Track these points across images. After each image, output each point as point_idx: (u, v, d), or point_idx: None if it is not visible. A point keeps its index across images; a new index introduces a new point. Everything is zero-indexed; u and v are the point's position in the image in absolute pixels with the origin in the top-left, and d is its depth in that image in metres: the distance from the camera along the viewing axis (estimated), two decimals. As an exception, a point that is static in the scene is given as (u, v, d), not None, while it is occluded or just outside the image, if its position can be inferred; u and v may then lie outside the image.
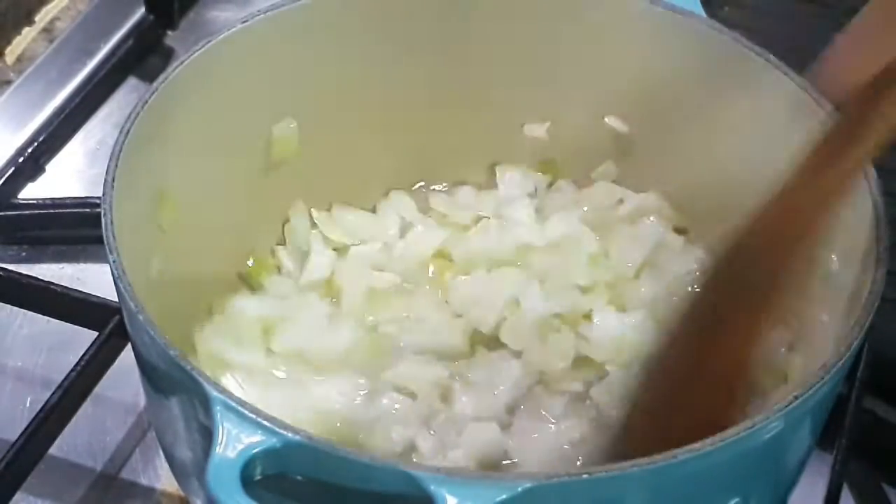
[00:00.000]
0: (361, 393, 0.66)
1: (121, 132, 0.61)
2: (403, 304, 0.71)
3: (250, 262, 0.73)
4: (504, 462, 0.64)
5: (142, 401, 0.73)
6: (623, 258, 0.73)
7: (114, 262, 0.55)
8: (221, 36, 0.67)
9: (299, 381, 0.66)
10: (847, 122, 0.56)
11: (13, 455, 0.65)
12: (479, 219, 0.76)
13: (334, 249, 0.74)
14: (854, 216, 0.60)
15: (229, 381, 0.65)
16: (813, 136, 0.57)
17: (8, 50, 0.99)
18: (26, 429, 0.66)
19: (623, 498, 0.50)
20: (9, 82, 0.95)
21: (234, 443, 0.48)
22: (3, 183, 0.85)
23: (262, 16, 0.68)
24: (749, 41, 0.67)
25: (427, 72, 0.74)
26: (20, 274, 0.76)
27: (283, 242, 0.75)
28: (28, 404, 0.73)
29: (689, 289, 0.64)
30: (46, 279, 0.75)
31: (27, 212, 0.84)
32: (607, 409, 0.66)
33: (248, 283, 0.73)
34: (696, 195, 0.74)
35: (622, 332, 0.69)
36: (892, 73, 0.53)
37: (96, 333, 0.71)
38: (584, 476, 0.48)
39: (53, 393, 0.67)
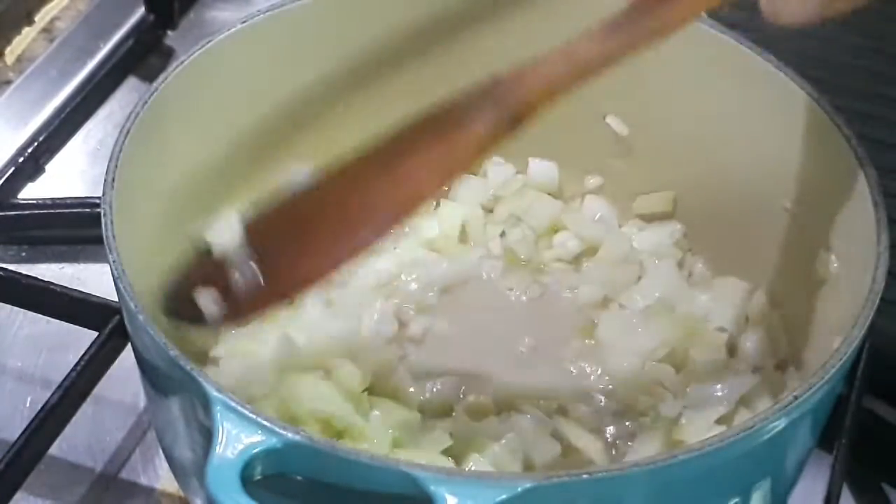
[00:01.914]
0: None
1: (121, 132, 0.61)
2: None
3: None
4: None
5: (142, 401, 0.73)
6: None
7: (114, 262, 0.55)
8: (221, 36, 0.67)
9: None
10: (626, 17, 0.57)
11: (13, 455, 0.65)
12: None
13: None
14: (854, 216, 0.60)
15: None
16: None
17: (8, 50, 0.99)
18: (26, 429, 0.66)
19: (623, 498, 0.50)
20: (9, 82, 0.95)
21: (234, 443, 0.48)
22: (3, 183, 0.84)
23: (262, 16, 0.68)
24: (749, 41, 0.67)
25: (428, 71, 0.74)
26: (20, 274, 0.76)
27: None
28: (28, 404, 0.73)
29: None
30: (46, 279, 0.75)
31: (27, 212, 0.84)
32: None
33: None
34: (695, 195, 0.74)
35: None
36: None
37: (96, 333, 0.71)
38: (584, 476, 0.48)
39: (53, 393, 0.67)
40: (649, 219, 0.77)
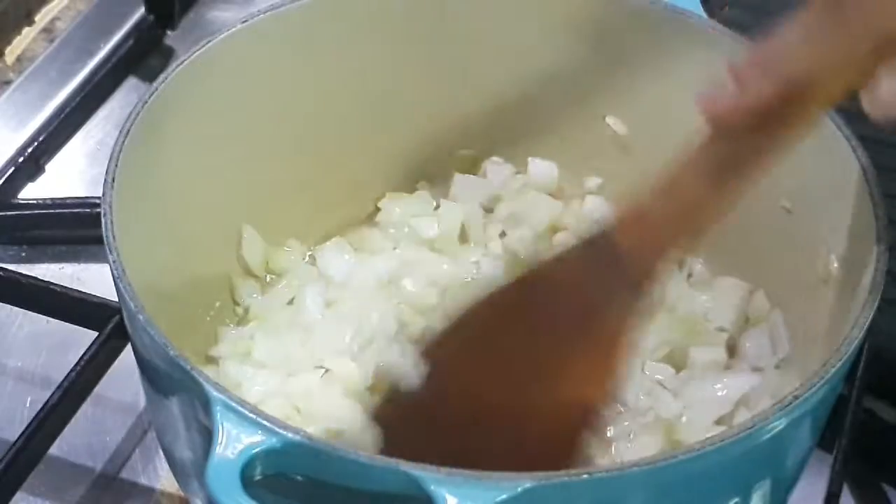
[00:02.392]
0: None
1: (121, 132, 0.61)
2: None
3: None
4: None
5: (142, 401, 0.73)
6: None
7: (114, 262, 0.55)
8: (221, 36, 0.67)
9: None
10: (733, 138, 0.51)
11: (13, 455, 0.65)
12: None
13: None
14: (854, 216, 0.60)
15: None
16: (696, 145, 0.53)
17: (8, 50, 0.99)
18: (26, 429, 0.66)
19: (623, 498, 0.50)
20: (9, 82, 0.95)
21: (234, 443, 0.48)
22: (3, 183, 0.85)
23: (262, 16, 0.68)
24: (749, 42, 0.67)
25: (428, 71, 0.74)
26: (20, 274, 0.76)
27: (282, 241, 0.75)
28: (28, 404, 0.73)
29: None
30: (46, 279, 0.75)
31: (27, 212, 0.84)
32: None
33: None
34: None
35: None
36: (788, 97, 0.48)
37: (96, 333, 0.71)
38: (585, 476, 0.48)
39: (53, 393, 0.67)
40: None
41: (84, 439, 0.71)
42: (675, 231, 0.54)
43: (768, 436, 0.51)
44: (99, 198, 0.58)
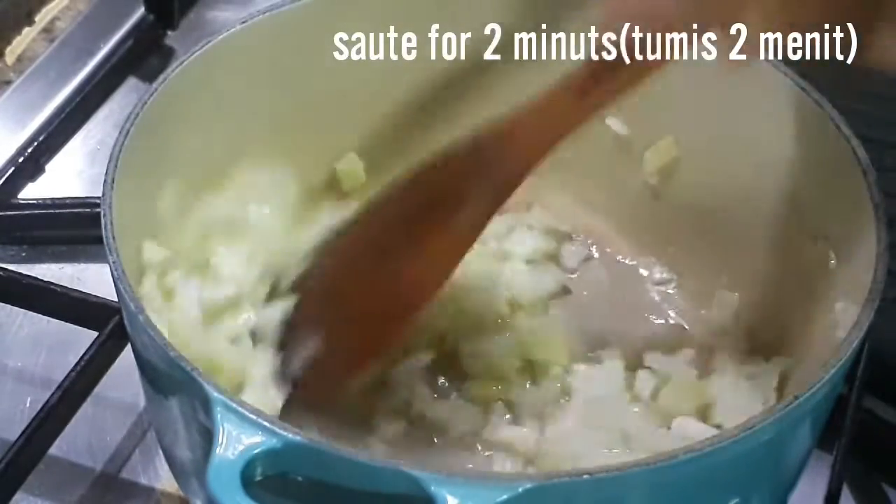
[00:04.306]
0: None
1: (121, 132, 0.61)
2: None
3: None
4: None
5: (142, 401, 0.73)
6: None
7: (114, 262, 0.55)
8: (221, 36, 0.67)
9: None
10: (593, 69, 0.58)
11: (13, 455, 0.65)
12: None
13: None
14: (854, 217, 0.60)
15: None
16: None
17: (8, 50, 0.99)
18: (26, 429, 0.66)
19: (623, 498, 0.50)
20: (9, 82, 0.95)
21: (235, 444, 0.48)
22: (3, 183, 0.84)
23: (261, 16, 0.68)
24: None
25: (427, 71, 0.74)
26: (20, 274, 0.76)
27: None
28: (28, 404, 0.73)
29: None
30: (46, 279, 0.75)
31: (27, 212, 0.84)
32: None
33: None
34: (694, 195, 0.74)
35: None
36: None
37: (96, 333, 0.71)
38: (585, 476, 0.48)
39: (53, 393, 0.67)
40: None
41: (84, 439, 0.71)
42: (542, 142, 0.60)
43: (768, 436, 0.51)
44: (99, 198, 0.58)
